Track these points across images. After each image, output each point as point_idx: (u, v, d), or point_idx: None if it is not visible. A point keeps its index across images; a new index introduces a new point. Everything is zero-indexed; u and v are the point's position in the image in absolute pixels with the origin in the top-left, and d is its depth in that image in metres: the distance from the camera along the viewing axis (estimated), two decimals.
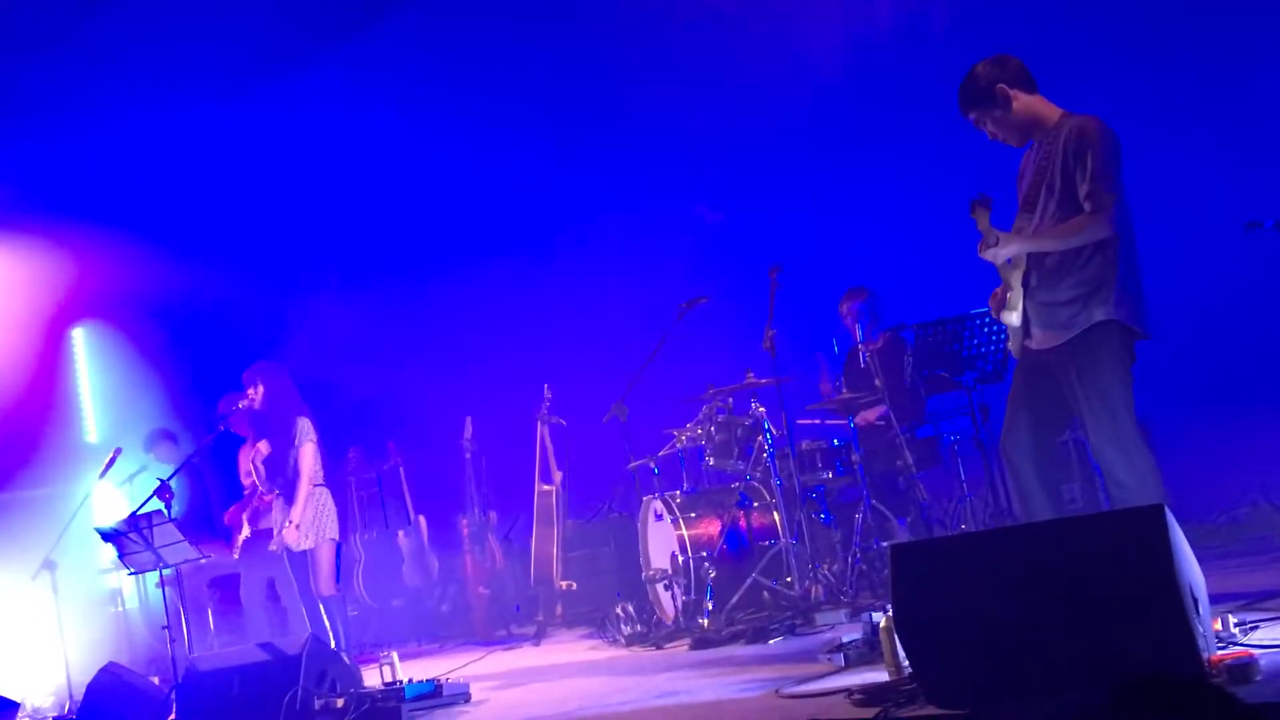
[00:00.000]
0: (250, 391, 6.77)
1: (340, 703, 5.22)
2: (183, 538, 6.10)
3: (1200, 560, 3.35)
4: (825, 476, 6.92)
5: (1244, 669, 3.05)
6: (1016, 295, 4.39)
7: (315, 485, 6.71)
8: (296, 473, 6.66)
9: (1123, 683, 1.67)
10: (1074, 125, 4.29)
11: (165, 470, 8.03)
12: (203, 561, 6.62)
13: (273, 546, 6.67)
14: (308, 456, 6.66)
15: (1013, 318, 4.42)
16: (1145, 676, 1.87)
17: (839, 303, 7.41)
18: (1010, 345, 4.56)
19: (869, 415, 7.12)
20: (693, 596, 6.52)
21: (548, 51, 9.65)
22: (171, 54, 9.32)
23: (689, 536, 6.65)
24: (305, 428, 6.70)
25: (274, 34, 9.47)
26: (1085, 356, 4.23)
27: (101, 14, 8.77)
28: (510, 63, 9.79)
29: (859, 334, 7.05)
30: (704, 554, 6.57)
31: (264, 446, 6.89)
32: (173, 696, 5.75)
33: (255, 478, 7.00)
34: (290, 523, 6.57)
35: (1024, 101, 4.37)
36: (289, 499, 6.68)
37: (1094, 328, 4.22)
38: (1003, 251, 4.35)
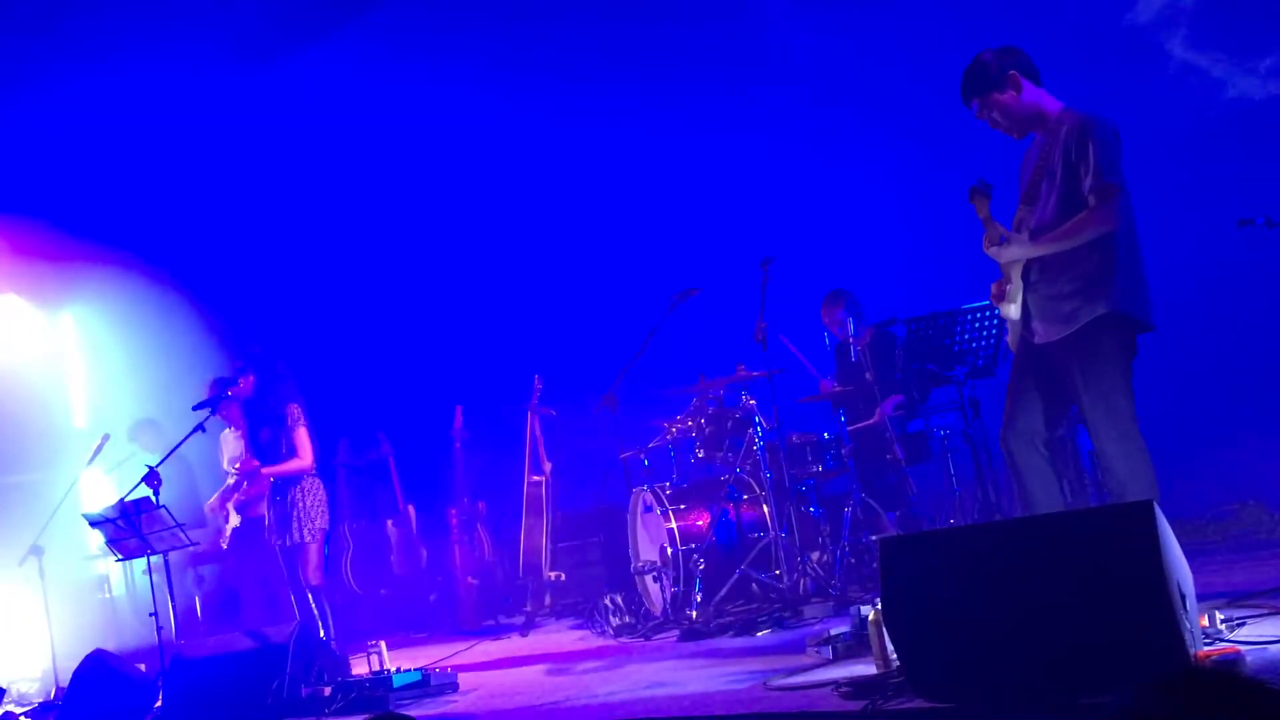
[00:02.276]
0: (241, 380, 6.75)
1: (327, 691, 5.22)
2: (172, 524, 6.09)
3: (1188, 557, 3.36)
4: (815, 470, 6.92)
5: (1230, 665, 3.06)
6: (1016, 288, 4.38)
7: (309, 475, 6.71)
8: (293, 453, 6.65)
9: (1158, 678, 1.66)
10: (1075, 119, 4.29)
11: (153, 457, 8.01)
12: (191, 549, 6.60)
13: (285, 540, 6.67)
14: (304, 439, 6.67)
15: (1011, 310, 4.42)
16: (1184, 671, 1.85)
17: (820, 310, 7.42)
18: (1009, 339, 4.56)
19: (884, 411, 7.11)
20: (681, 588, 6.52)
21: (543, 48, 9.63)
22: (163, 35, 9.27)
23: (678, 528, 6.65)
24: (297, 414, 6.70)
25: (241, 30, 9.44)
26: (1087, 351, 4.23)
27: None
28: (500, 55, 9.77)
29: (851, 328, 7.06)
30: (693, 546, 6.58)
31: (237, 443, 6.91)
32: (159, 683, 5.74)
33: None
34: (260, 466, 6.59)
35: (1031, 91, 4.38)
36: (278, 482, 6.69)
37: (1096, 321, 4.21)
38: (1006, 253, 4.34)
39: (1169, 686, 1.65)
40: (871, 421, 7.07)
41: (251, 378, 6.74)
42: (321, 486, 6.78)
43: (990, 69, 4.38)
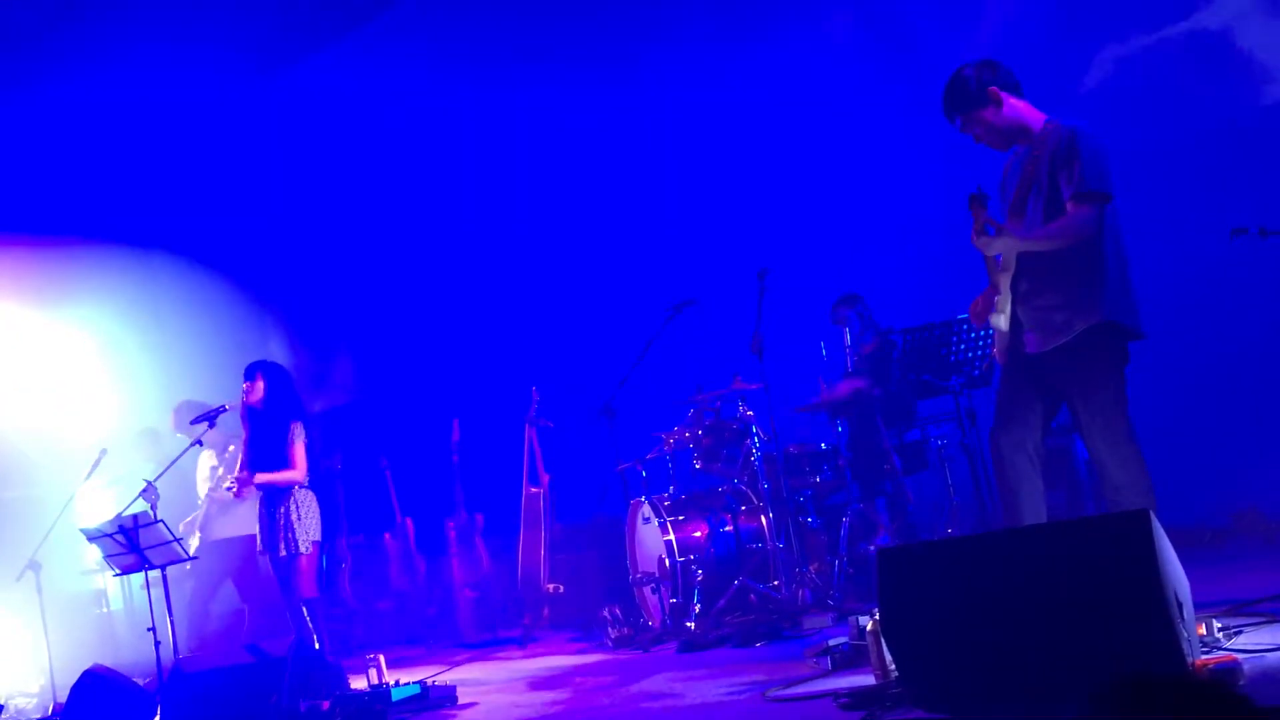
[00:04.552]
0: (246, 386, 6.76)
1: (325, 705, 5.21)
2: (170, 539, 6.08)
3: (1185, 565, 3.37)
4: (813, 480, 6.93)
5: (1228, 674, 3.06)
6: (1005, 299, 4.41)
7: (302, 487, 6.71)
8: (288, 465, 6.65)
9: (1109, 682, 1.68)
10: (1062, 131, 4.33)
11: (148, 469, 8.00)
12: (188, 566, 6.60)
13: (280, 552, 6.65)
14: (300, 453, 6.66)
15: (1000, 321, 4.44)
16: (1132, 676, 1.87)
17: (831, 310, 7.45)
18: (996, 350, 4.58)
19: (843, 389, 7.15)
20: (680, 599, 6.52)
21: (536, 55, 9.65)
22: (176, 38, 9.28)
23: (676, 540, 6.65)
24: (298, 430, 6.71)
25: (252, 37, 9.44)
26: (1081, 360, 4.27)
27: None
28: (501, 67, 9.79)
29: (847, 338, 7.07)
30: (691, 557, 6.58)
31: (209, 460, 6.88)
32: (157, 698, 5.73)
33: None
34: (252, 476, 6.57)
35: (1012, 105, 4.41)
36: (270, 495, 6.69)
37: (1089, 330, 4.25)
38: (994, 244, 4.37)
39: (1117, 695, 1.67)
40: (831, 397, 7.08)
41: (260, 384, 6.75)
42: (314, 499, 6.77)
43: (970, 85, 4.41)
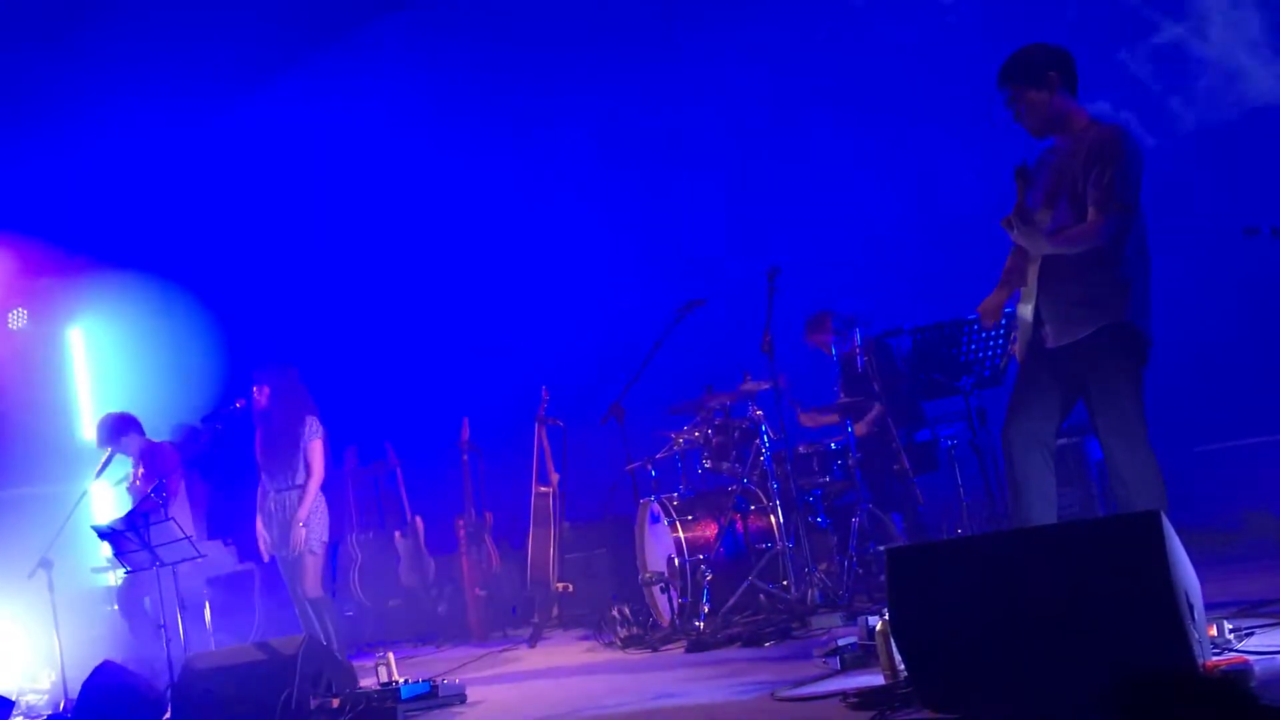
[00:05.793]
0: (256, 390, 6.76)
1: (336, 703, 5.22)
2: (181, 536, 6.10)
3: (1196, 566, 3.36)
4: (822, 480, 6.92)
5: (1239, 675, 3.05)
6: (1031, 290, 4.44)
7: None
8: (307, 470, 6.65)
9: (1120, 683, 1.68)
10: (1106, 130, 4.36)
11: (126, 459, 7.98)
12: (198, 561, 6.62)
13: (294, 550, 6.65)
14: (317, 453, 6.66)
15: (1025, 311, 4.47)
16: (1143, 677, 1.87)
17: (806, 334, 7.44)
18: (1017, 345, 4.59)
19: (864, 427, 7.12)
20: (689, 599, 6.51)
21: (544, 54, 9.65)
22: (164, 56, 9.32)
23: (686, 539, 6.65)
24: (314, 426, 6.70)
25: (257, 39, 9.48)
26: (1099, 356, 4.29)
27: (91, 17, 8.77)
28: (506, 63, 9.80)
29: (857, 339, 7.05)
30: (701, 557, 6.58)
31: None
32: (168, 695, 5.74)
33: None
34: (299, 523, 6.57)
35: (1061, 100, 4.42)
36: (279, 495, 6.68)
37: (1109, 328, 4.28)
38: (1021, 233, 4.38)
39: (1127, 696, 1.67)
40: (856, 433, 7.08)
41: (267, 389, 6.75)
42: (322, 498, 6.78)
43: (1033, 63, 4.42)
